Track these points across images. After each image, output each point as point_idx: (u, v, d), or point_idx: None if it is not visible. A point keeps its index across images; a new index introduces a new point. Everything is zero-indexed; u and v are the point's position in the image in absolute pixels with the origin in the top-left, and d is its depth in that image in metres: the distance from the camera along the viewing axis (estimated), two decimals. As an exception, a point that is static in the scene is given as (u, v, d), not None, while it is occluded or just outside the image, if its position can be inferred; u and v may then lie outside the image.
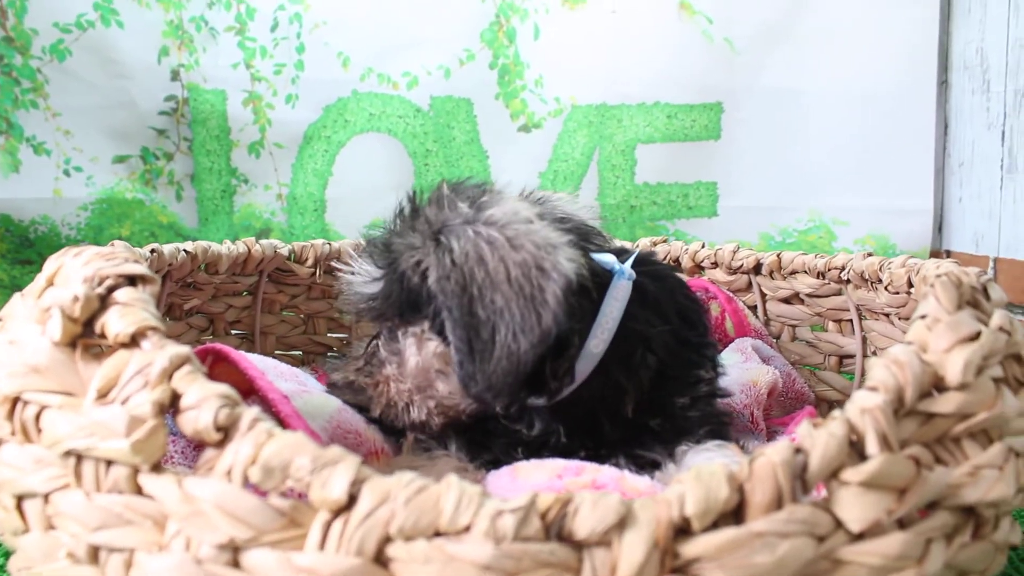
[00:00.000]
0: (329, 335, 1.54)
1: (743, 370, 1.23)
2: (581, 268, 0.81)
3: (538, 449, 0.86)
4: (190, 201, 2.18)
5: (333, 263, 1.45)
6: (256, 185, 2.21)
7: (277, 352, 1.47)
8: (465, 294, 0.77)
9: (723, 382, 1.00)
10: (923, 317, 0.66)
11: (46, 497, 0.58)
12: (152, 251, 1.09)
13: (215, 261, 1.27)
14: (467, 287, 0.77)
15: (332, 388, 0.97)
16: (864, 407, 0.56)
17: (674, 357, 0.89)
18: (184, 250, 1.18)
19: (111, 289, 0.64)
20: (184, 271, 1.21)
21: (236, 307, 1.40)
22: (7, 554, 0.86)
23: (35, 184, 2.04)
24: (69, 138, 2.07)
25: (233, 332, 1.42)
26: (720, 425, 0.93)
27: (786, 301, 1.46)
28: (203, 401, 0.55)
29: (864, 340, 1.34)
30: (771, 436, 1.15)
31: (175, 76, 2.13)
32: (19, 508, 0.60)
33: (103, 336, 0.62)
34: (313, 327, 1.52)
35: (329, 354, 1.41)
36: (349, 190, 2.20)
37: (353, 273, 0.92)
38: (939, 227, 2.18)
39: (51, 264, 0.71)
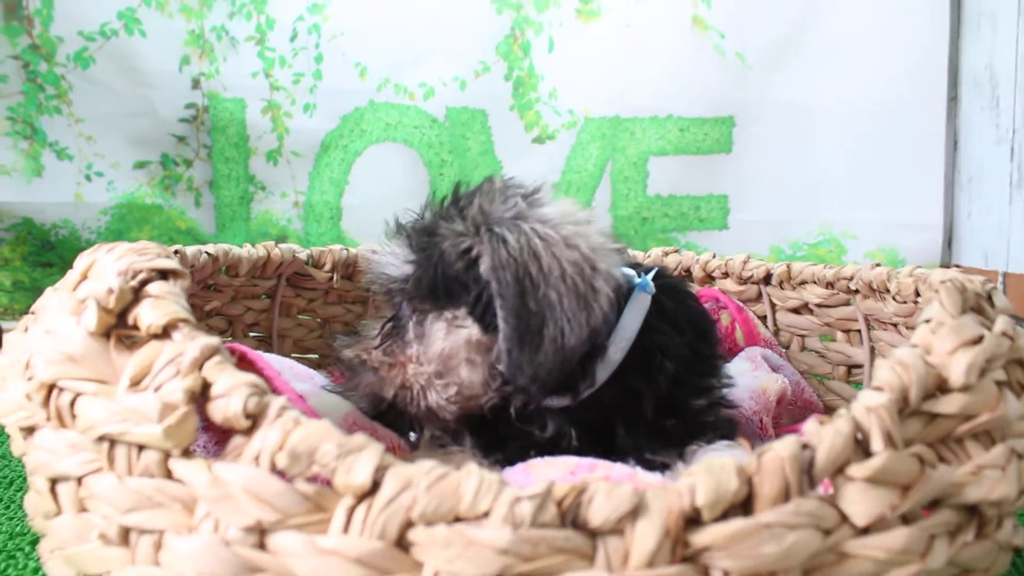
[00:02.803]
0: (345, 339, 1.55)
1: (753, 378, 1.24)
2: (622, 273, 0.84)
3: (550, 451, 0.87)
4: (208, 207, 2.22)
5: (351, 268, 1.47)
6: (273, 192, 2.24)
7: (294, 355, 1.48)
8: (519, 285, 0.78)
9: (733, 391, 1.02)
10: (927, 321, 0.67)
11: (79, 480, 0.60)
12: (175, 252, 1.11)
13: (235, 264, 1.29)
14: (521, 279, 0.79)
15: (341, 363, 0.95)
16: (869, 406, 0.58)
17: (688, 366, 0.91)
18: (206, 252, 1.20)
19: (144, 282, 0.67)
20: (205, 273, 1.23)
21: (255, 310, 1.42)
22: (34, 541, 0.88)
23: (57, 188, 2.09)
24: (91, 144, 2.10)
25: (251, 334, 1.44)
26: (730, 430, 0.95)
27: (795, 311, 1.47)
28: (233, 389, 0.57)
29: (872, 350, 1.35)
30: (780, 444, 1.16)
31: (196, 84, 2.17)
32: (52, 491, 0.62)
33: (136, 327, 0.64)
34: (330, 331, 1.53)
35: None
36: (365, 198, 2.23)
37: (385, 255, 0.91)
38: (948, 242, 2.19)
39: (84, 259, 0.73)
